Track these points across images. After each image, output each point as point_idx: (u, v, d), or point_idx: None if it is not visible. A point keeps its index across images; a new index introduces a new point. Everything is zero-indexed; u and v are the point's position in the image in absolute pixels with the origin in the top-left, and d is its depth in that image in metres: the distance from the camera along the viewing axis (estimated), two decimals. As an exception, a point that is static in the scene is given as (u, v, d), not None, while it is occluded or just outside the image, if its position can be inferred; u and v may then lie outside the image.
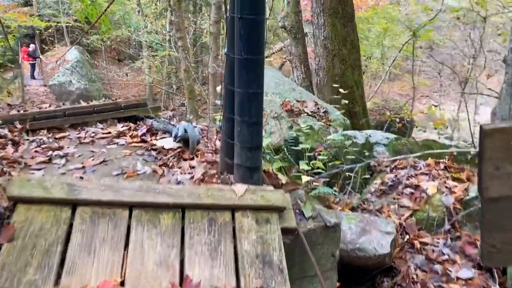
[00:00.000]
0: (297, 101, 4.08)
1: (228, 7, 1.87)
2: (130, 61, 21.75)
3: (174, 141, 2.48)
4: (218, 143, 2.64)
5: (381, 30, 15.54)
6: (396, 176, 3.23)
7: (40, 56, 18.48)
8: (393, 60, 16.11)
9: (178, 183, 2.02)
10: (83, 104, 3.23)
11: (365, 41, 15.54)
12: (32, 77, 18.21)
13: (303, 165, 2.94)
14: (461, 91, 18.18)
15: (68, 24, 19.88)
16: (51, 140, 2.65)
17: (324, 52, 4.73)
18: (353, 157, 3.33)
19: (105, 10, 6.20)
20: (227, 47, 1.88)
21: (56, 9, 21.27)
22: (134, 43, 22.96)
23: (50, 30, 21.59)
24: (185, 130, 2.43)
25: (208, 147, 2.60)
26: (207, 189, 1.75)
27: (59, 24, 18.92)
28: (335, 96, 4.73)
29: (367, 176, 3.47)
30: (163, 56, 19.16)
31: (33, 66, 18.13)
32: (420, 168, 3.28)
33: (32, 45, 17.65)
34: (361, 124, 4.56)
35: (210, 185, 1.94)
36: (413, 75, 7.42)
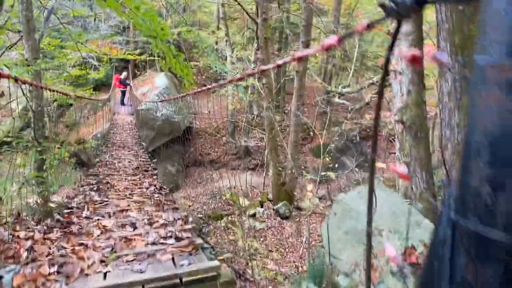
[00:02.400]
0: (425, 245, 2.82)
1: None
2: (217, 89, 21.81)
3: None
4: None
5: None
6: None
7: (131, 84, 19.16)
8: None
9: None
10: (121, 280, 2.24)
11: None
12: (122, 103, 18.89)
13: None
14: None
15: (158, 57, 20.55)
16: None
17: (457, 159, 3.41)
18: None
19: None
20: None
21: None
22: (219, 78, 23.20)
23: (142, 57, 22.54)
24: None
25: None
26: None
27: (149, 57, 19.53)
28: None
29: None
30: (247, 85, 18.78)
31: (123, 93, 18.82)
32: None
33: (124, 73, 18.32)
34: None
35: None
36: None
